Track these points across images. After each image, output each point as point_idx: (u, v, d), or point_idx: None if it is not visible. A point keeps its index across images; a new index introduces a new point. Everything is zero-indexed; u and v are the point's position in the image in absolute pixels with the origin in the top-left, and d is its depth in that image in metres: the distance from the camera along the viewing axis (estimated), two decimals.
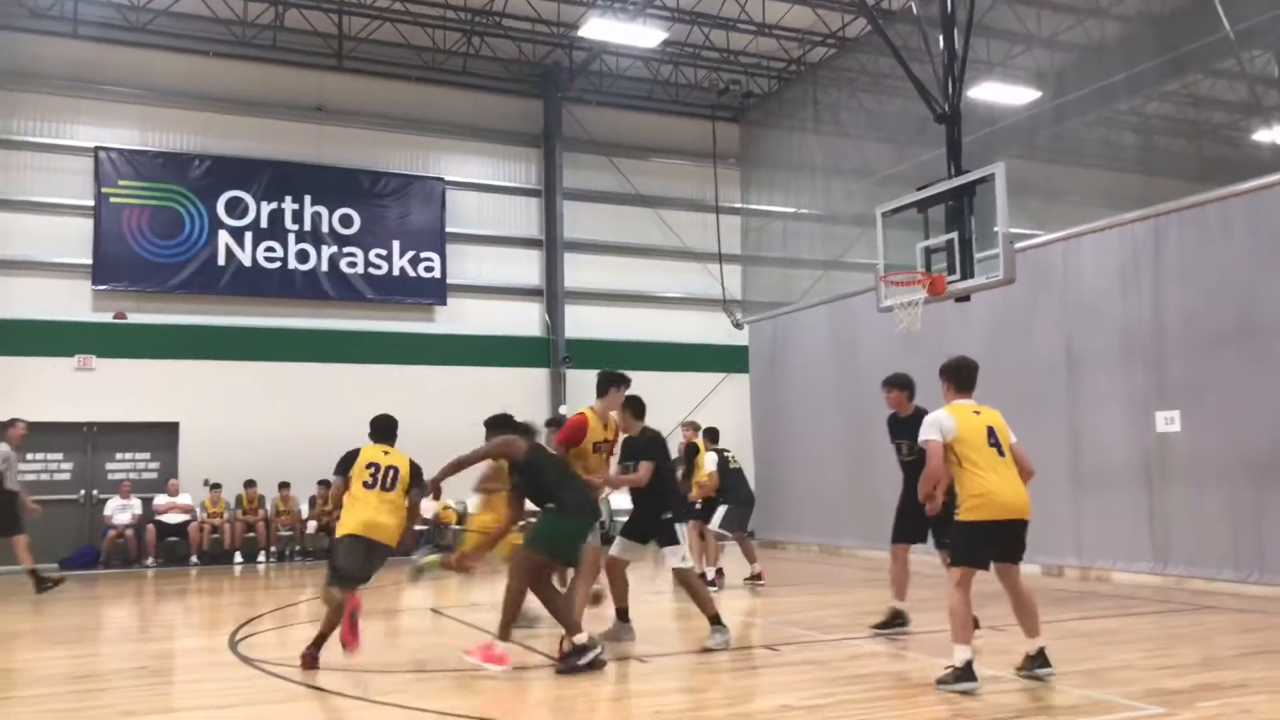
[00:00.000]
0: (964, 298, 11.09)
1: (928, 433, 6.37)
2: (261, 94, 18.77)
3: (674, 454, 10.07)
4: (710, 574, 11.66)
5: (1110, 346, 12.14)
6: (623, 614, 8.21)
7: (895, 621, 8.37)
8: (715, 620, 7.76)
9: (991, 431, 6.35)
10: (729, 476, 11.96)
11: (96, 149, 17.63)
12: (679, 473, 11.78)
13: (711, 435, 12.51)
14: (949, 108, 11.35)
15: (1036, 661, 6.33)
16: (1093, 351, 12.38)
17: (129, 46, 17.87)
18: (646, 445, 8.01)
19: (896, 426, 8.62)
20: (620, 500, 9.23)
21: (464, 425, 12.39)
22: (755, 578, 11.82)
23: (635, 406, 8.32)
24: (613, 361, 20.40)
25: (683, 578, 7.85)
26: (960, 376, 6.68)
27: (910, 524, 8.30)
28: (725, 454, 12.22)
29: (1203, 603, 9.83)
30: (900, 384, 8.69)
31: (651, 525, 7.89)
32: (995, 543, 6.26)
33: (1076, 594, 10.70)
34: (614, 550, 8.06)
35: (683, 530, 7.91)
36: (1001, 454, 6.30)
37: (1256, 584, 10.39)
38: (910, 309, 10.95)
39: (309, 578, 14.63)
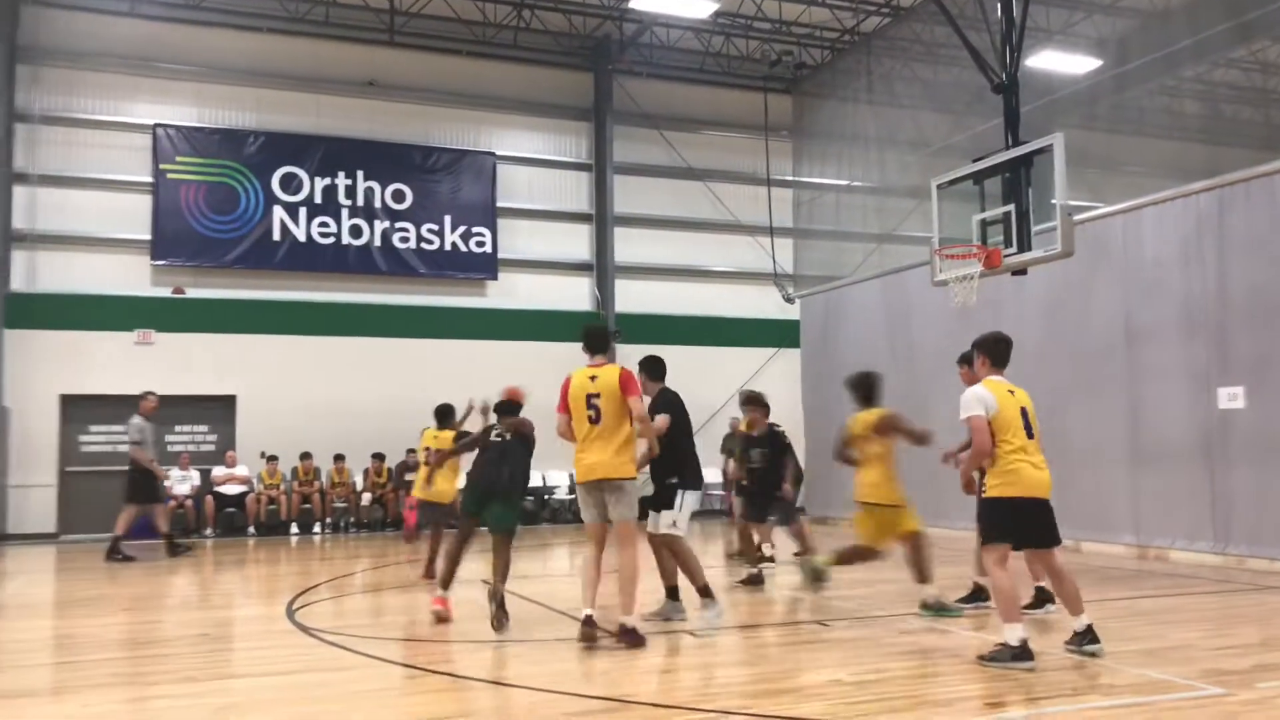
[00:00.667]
0: (1020, 271, 10.90)
1: (972, 408, 6.31)
2: (314, 70, 18.92)
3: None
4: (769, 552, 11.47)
5: (1171, 320, 11.87)
6: (673, 592, 7.93)
7: (979, 596, 8.21)
8: (705, 591, 7.59)
9: (1024, 411, 6.36)
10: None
11: (155, 126, 17.91)
12: (731, 461, 11.57)
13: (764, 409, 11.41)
14: (1006, 77, 11.13)
15: (1085, 638, 6.29)
16: (1153, 326, 12.11)
17: (186, 24, 18.09)
18: (663, 404, 7.76)
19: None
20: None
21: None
22: (769, 560, 11.54)
23: (651, 368, 7.95)
24: (663, 336, 20.65)
25: (670, 544, 7.61)
26: (997, 351, 6.62)
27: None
28: (775, 428, 11.65)
29: (1265, 583, 9.62)
30: (972, 360, 8.32)
31: (658, 491, 7.62)
32: (1022, 521, 6.25)
33: (1133, 572, 10.53)
34: (649, 526, 7.68)
35: (684, 498, 7.55)
36: (1031, 435, 6.33)
37: None
38: (965, 283, 10.78)
39: (364, 549, 14.87)
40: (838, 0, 19.21)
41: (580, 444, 7.12)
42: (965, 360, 7.88)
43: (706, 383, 20.53)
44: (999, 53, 11.24)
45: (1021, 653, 5.98)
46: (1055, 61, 18.21)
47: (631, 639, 6.77)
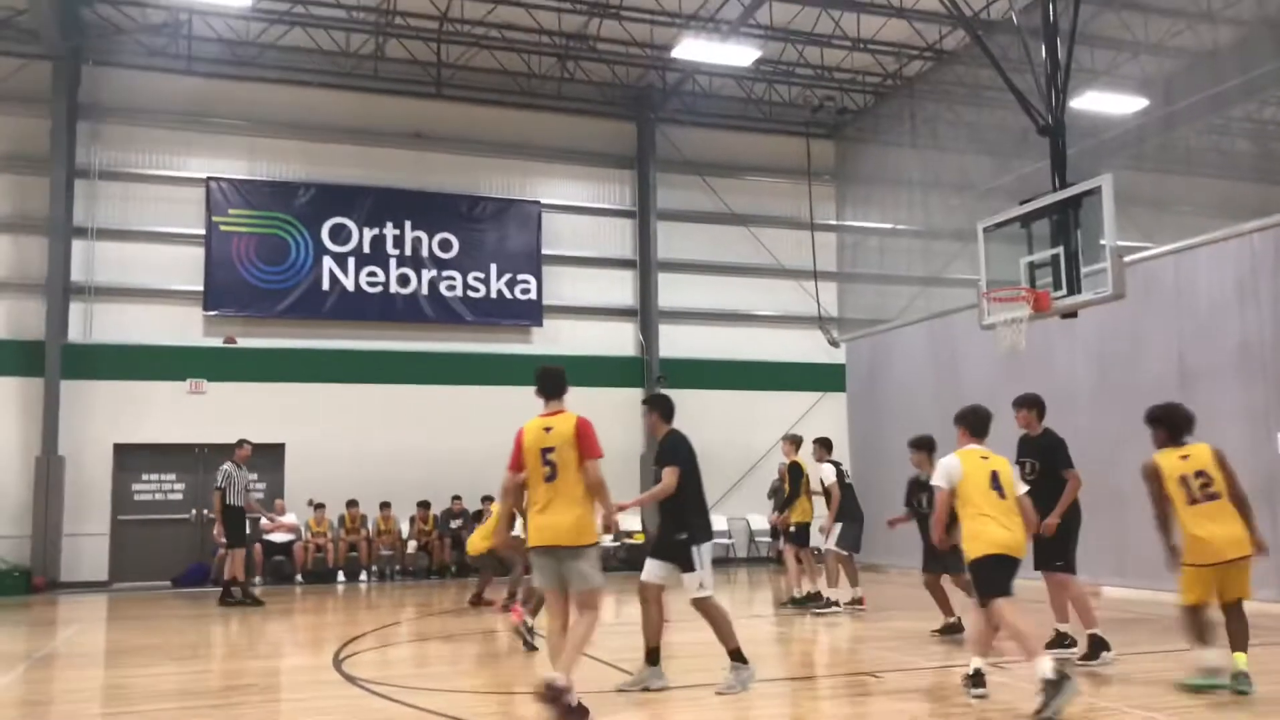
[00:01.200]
0: (1070, 314, 10.77)
1: (937, 480, 6.83)
2: (363, 122, 19.29)
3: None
4: (834, 595, 11.41)
5: (1228, 362, 11.62)
6: (652, 655, 7.06)
7: (1064, 642, 8.00)
8: (736, 655, 6.96)
9: (995, 476, 6.67)
10: (845, 491, 11.60)
11: (208, 179, 18.32)
12: (775, 499, 11.58)
13: (825, 445, 12.02)
14: (1052, 119, 11.08)
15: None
16: (1208, 368, 11.86)
17: (237, 80, 18.55)
18: (671, 449, 7.08)
19: (1024, 446, 8.27)
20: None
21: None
22: (856, 602, 11.57)
23: (663, 407, 7.38)
24: (707, 380, 20.59)
25: (703, 608, 6.97)
26: (974, 422, 7.02)
27: (1052, 546, 7.89)
28: (840, 466, 11.81)
29: None
30: (1029, 403, 8.32)
31: (668, 546, 7.02)
32: (1006, 570, 6.51)
33: None
34: (644, 574, 7.11)
35: (699, 553, 6.91)
36: (1003, 497, 6.62)
37: None
38: (1014, 326, 10.67)
39: (409, 597, 14.87)
40: (880, 45, 19.26)
41: (536, 503, 6.36)
42: (1020, 404, 8.18)
43: (751, 427, 20.47)
44: (1044, 94, 11.20)
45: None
46: (1101, 102, 18.08)
47: (564, 710, 5.82)
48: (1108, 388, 13.08)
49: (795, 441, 12.17)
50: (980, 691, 6.45)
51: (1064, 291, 10.29)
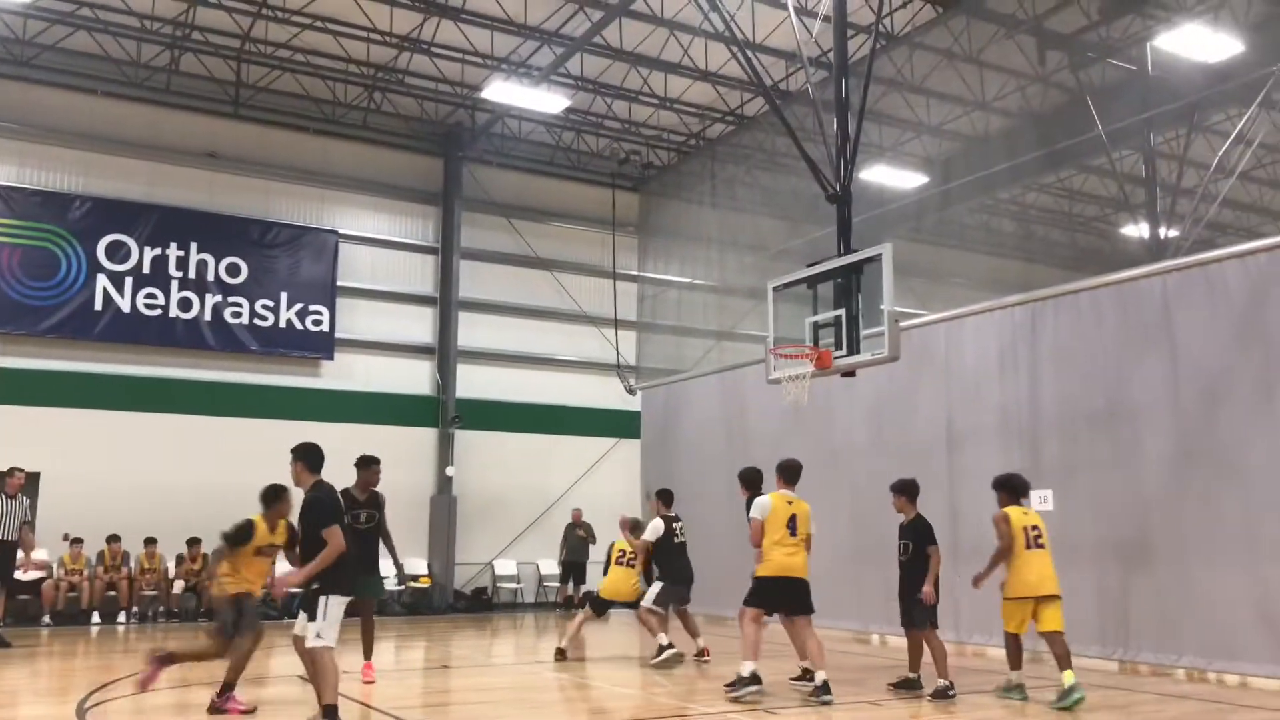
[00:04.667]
0: (850, 373, 11.31)
1: (754, 512, 8.91)
2: (151, 136, 18.27)
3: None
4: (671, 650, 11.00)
5: (989, 425, 12.51)
6: (329, 711, 6.87)
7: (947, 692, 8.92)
8: (330, 712, 6.81)
9: (793, 518, 8.80)
10: (671, 550, 11.33)
11: None
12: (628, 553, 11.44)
13: (664, 498, 11.76)
14: (840, 188, 11.66)
15: (823, 690, 8.51)
16: (973, 429, 12.74)
17: (11, 80, 17.24)
18: (325, 507, 7.01)
19: (902, 530, 9.42)
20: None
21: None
22: (700, 654, 11.41)
23: (309, 457, 7.20)
24: (504, 423, 20.47)
25: (314, 656, 6.90)
26: (787, 472, 9.19)
27: (921, 611, 9.20)
28: (674, 522, 11.48)
29: None
30: (899, 489, 9.52)
31: (306, 596, 7.05)
32: (778, 593, 8.82)
33: (953, 669, 10.80)
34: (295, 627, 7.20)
35: (326, 604, 6.83)
36: (794, 534, 8.77)
37: (1120, 659, 10.70)
38: (798, 382, 11.12)
39: (173, 639, 13.93)
40: (685, 106, 19.91)
41: None
42: (894, 490, 9.59)
43: (546, 470, 20.46)
44: (834, 164, 11.80)
45: (751, 680, 8.55)
46: (886, 176, 19.31)
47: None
48: (882, 444, 13.83)
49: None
50: (754, 690, 8.52)
51: (844, 351, 10.80)
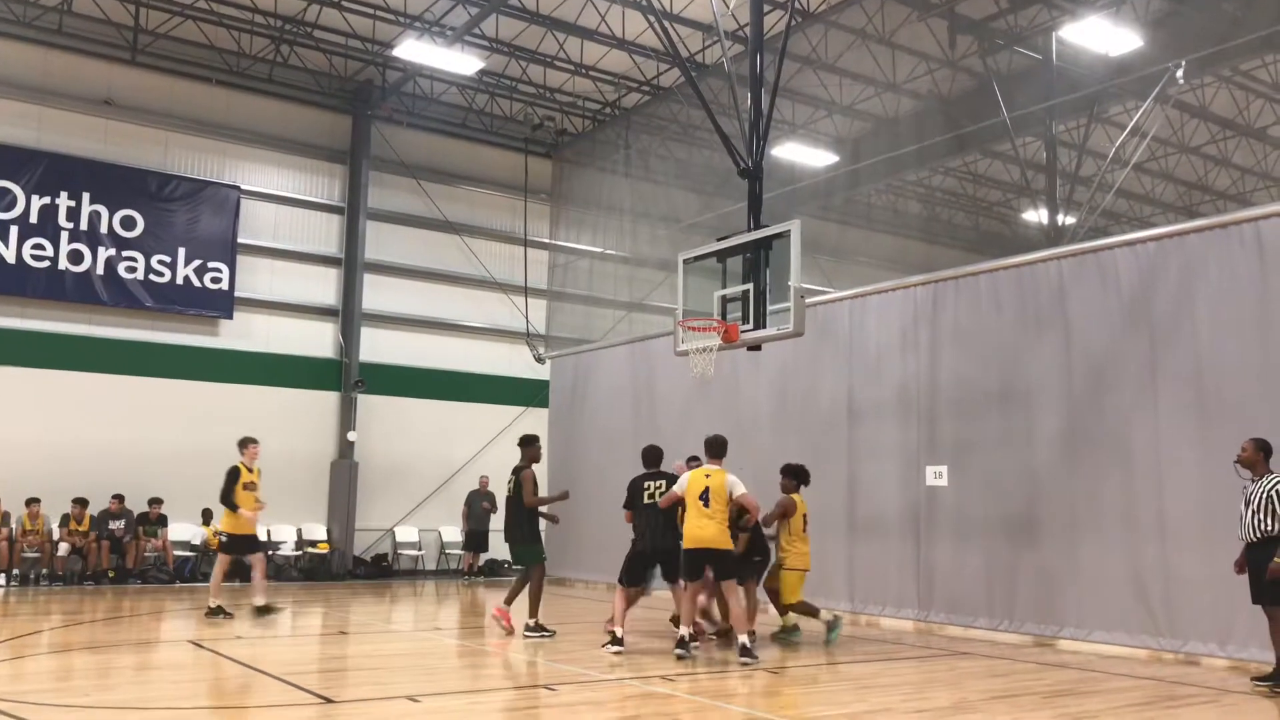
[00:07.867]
0: (756, 347, 11.41)
1: (676, 488, 9.42)
2: (41, 80, 17.43)
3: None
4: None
5: (889, 402, 12.78)
6: None
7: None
8: None
9: (706, 490, 9.12)
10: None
11: None
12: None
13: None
14: (752, 163, 11.72)
15: (745, 652, 8.88)
16: (873, 405, 13.00)
17: None
18: None
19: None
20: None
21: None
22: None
23: None
24: (409, 388, 20.23)
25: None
26: (712, 447, 9.53)
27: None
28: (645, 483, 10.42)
29: (958, 648, 10.40)
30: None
31: None
32: (691, 562, 9.30)
33: (847, 638, 11.09)
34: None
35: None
36: (706, 505, 9.09)
37: (1006, 631, 11.10)
38: (705, 355, 11.18)
39: (56, 604, 13.49)
40: (600, 73, 19.78)
41: None
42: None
43: (451, 438, 20.29)
44: (747, 140, 11.85)
45: (687, 640, 9.19)
46: (798, 153, 19.50)
47: None
48: (786, 417, 14.03)
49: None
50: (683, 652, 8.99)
51: (751, 325, 10.89)
